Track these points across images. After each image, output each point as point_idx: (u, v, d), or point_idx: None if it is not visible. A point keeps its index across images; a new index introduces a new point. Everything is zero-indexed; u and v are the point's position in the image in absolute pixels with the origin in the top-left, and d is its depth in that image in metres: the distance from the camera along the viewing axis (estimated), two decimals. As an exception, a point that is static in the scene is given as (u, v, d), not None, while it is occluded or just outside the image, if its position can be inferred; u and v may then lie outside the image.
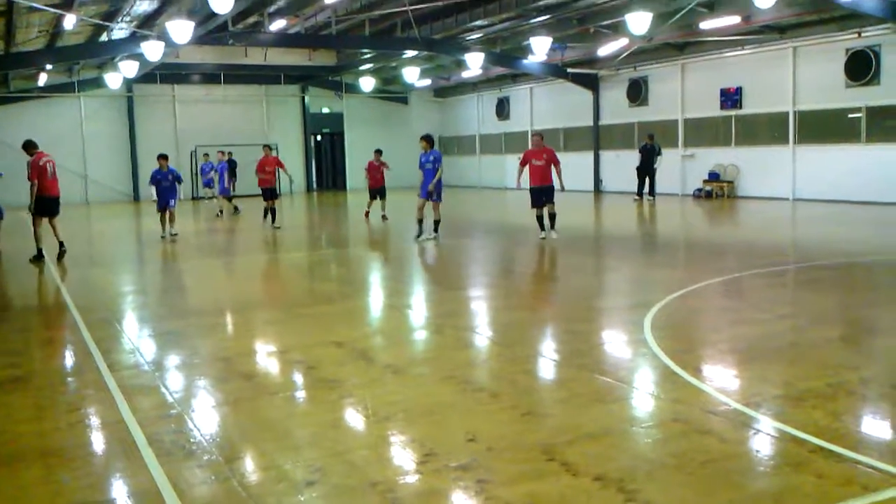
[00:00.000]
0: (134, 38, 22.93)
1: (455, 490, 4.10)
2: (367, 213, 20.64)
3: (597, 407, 5.37)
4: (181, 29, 18.63)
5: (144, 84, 31.88)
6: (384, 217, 20.04)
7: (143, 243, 17.79)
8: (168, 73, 31.59)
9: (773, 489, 4.06)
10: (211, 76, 33.01)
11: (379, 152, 21.14)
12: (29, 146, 13.60)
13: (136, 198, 32.43)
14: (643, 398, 5.67)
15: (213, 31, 21.52)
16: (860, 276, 10.82)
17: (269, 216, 19.50)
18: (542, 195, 14.60)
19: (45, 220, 13.64)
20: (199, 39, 21.73)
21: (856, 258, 12.05)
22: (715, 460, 4.37)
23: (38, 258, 13.44)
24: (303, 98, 36.55)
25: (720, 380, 6.08)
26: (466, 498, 4.02)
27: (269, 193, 19.69)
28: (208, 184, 26.45)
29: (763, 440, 4.76)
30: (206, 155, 26.86)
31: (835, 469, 4.19)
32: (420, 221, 15.14)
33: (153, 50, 21.15)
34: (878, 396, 5.51)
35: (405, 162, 37.30)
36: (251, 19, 23.21)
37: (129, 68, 25.55)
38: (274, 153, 21.67)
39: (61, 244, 13.68)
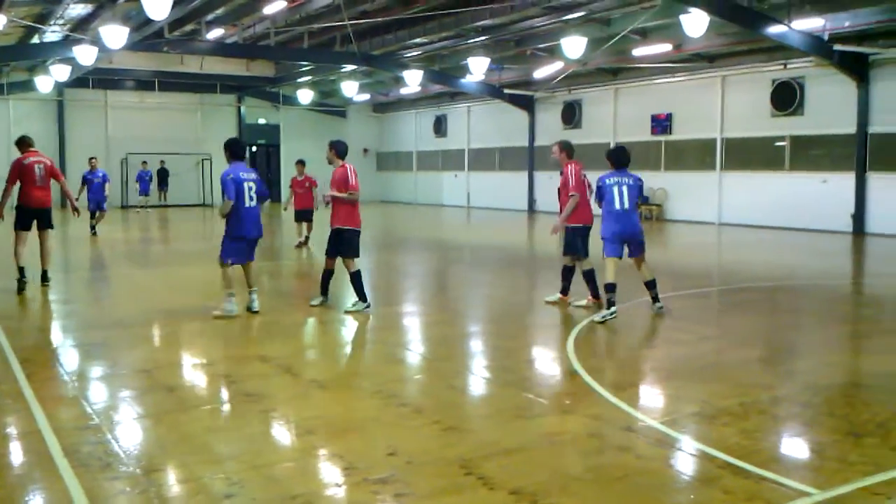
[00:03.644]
0: (67, 42, 22.55)
1: (372, 503, 4.13)
2: (299, 244, 16.51)
3: (517, 422, 5.47)
4: (115, 34, 18.37)
5: (76, 89, 31.26)
6: (302, 243, 16.46)
7: (69, 250, 17.39)
8: (101, 79, 31.00)
9: (682, 503, 4.19)
10: (145, 83, 32.50)
11: (301, 164, 16.92)
12: (20, 143, 11.20)
13: (63, 204, 31.64)
14: (562, 414, 5.78)
15: (148, 37, 21.27)
16: (781, 299, 11.18)
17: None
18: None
19: (26, 236, 10.97)
20: (134, 45, 21.46)
21: (778, 282, 12.45)
22: (629, 475, 4.49)
23: (21, 284, 10.81)
24: (239, 108, 36.25)
25: (639, 398, 6.25)
26: (384, 511, 4.06)
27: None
28: (145, 191, 26.16)
29: (676, 456, 4.90)
30: (145, 162, 26.42)
31: (742, 485, 4.34)
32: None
33: (86, 54, 20.81)
34: (787, 415, 5.72)
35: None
36: (188, 27, 22.98)
37: (60, 72, 25.07)
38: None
39: (44, 272, 11.24)
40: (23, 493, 4.42)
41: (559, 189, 9.83)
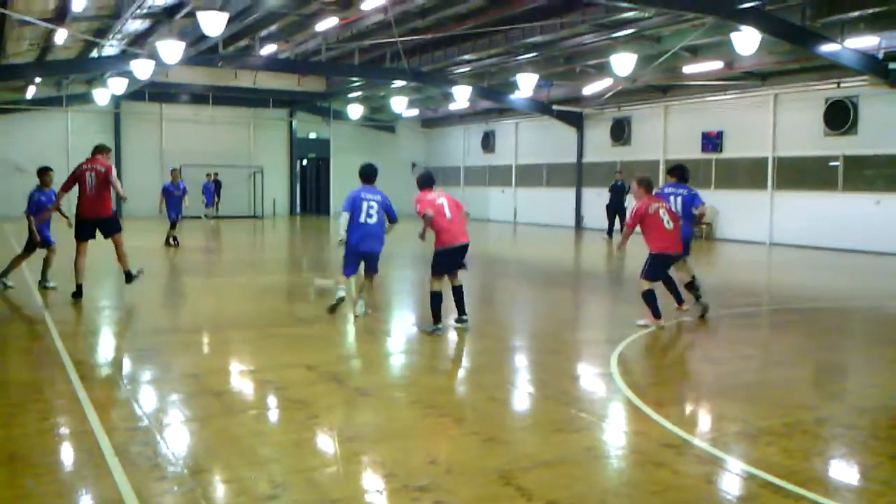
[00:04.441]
0: (124, 56, 23.11)
1: (412, 509, 4.21)
2: None
3: (557, 436, 5.50)
4: (171, 49, 18.80)
5: (132, 101, 32.01)
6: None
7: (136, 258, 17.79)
8: (156, 92, 31.70)
9: (719, 520, 4.19)
10: (199, 96, 33.18)
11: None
12: (95, 150, 11.29)
13: (119, 213, 32.40)
14: (602, 429, 5.79)
15: (203, 52, 21.72)
16: (828, 320, 11.02)
17: None
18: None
19: (84, 247, 11.01)
20: (190, 60, 21.93)
21: (825, 303, 12.27)
22: (666, 490, 4.50)
23: (76, 295, 10.83)
24: (290, 122, 36.78)
25: (679, 415, 6.23)
26: (423, 517, 4.13)
27: None
28: (210, 202, 26.69)
29: (715, 473, 4.89)
30: (209, 174, 26.84)
31: (781, 503, 4.33)
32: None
33: (143, 68, 21.31)
34: (830, 436, 5.67)
35: (391, 191, 37.59)
36: (242, 42, 23.45)
37: (117, 85, 25.70)
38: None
39: (127, 273, 11.34)
40: (74, 489, 4.58)
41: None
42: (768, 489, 4.52)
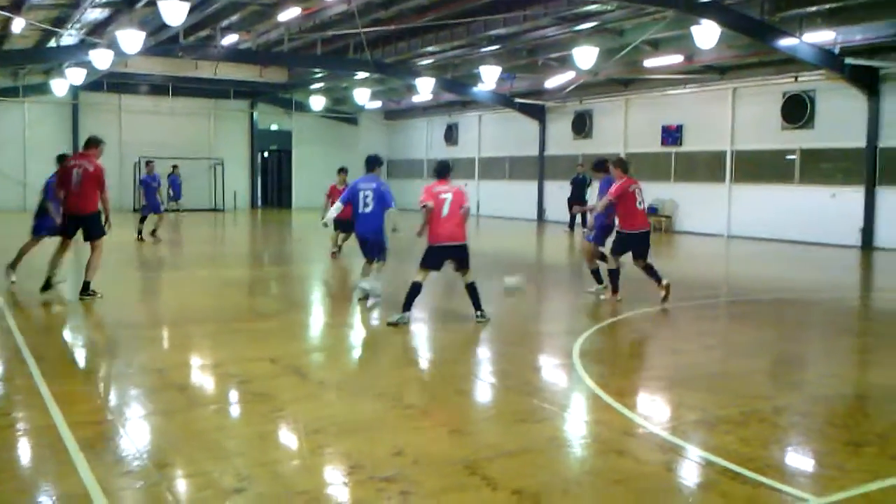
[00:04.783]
0: (83, 46, 22.75)
1: (379, 500, 4.24)
2: (333, 254, 15.94)
3: (521, 426, 5.57)
4: (131, 39, 18.55)
5: (91, 92, 31.48)
6: (335, 254, 15.98)
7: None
8: (115, 82, 31.23)
9: (680, 507, 4.29)
10: (159, 87, 32.75)
11: (344, 172, 16.34)
12: (86, 143, 11.14)
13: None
14: (565, 419, 5.88)
15: (163, 42, 21.49)
16: (786, 312, 11.23)
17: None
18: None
19: (65, 242, 10.85)
20: (150, 50, 21.65)
21: (783, 294, 12.51)
22: (628, 479, 4.59)
23: (44, 288, 10.62)
24: (251, 114, 36.47)
25: (640, 404, 6.34)
26: (389, 508, 4.17)
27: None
28: (177, 196, 26.31)
29: (676, 461, 4.99)
30: (175, 167, 26.43)
31: (739, 490, 4.43)
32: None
33: (102, 58, 21.02)
34: (787, 424, 5.81)
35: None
36: (203, 32, 23.17)
37: (76, 75, 25.32)
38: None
39: (85, 284, 10.53)
40: (38, 485, 4.55)
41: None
42: (726, 476, 4.62)
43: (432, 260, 9.28)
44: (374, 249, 10.61)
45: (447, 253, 9.25)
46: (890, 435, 5.54)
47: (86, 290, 10.52)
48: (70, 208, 10.65)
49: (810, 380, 7.45)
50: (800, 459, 5.19)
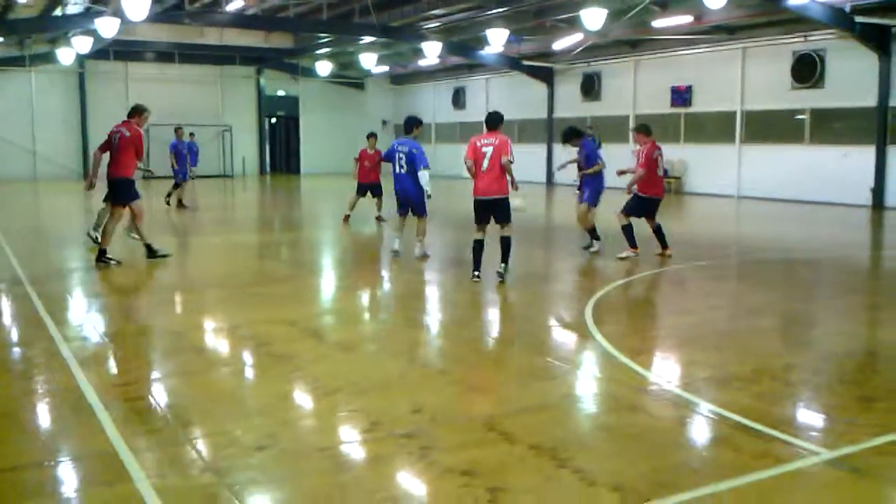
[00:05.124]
0: (88, 14, 22.71)
1: (399, 455, 4.34)
2: (346, 217, 15.88)
3: (537, 384, 5.66)
4: (137, 6, 18.49)
5: (97, 60, 31.42)
6: (379, 218, 16.08)
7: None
8: (122, 50, 31.19)
9: (693, 459, 4.39)
10: (165, 54, 32.68)
11: (374, 136, 16.46)
12: (130, 112, 10.97)
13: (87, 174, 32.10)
14: (580, 377, 5.97)
15: (169, 8, 21.43)
16: (797, 271, 11.28)
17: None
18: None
19: (113, 209, 10.90)
20: (155, 17, 21.58)
21: (793, 254, 12.54)
22: (642, 433, 4.68)
23: (99, 258, 10.56)
24: (258, 80, 36.36)
25: (653, 362, 6.43)
26: (409, 463, 4.26)
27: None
28: (194, 163, 26.32)
29: (688, 416, 5.08)
30: (192, 134, 26.42)
31: (751, 444, 4.52)
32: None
33: (108, 26, 20.97)
34: (798, 381, 5.88)
35: (360, 147, 37.46)
36: (208, -1, 23.13)
37: (82, 44, 25.24)
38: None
39: (101, 252, 10.63)
40: (68, 444, 4.66)
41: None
42: (739, 430, 4.71)
43: (477, 214, 9.48)
44: (414, 207, 11.24)
45: (486, 206, 9.36)
46: (900, 390, 5.62)
47: (101, 256, 10.60)
48: (108, 174, 10.82)
49: (820, 338, 7.52)
50: (811, 414, 5.26)
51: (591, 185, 11.81)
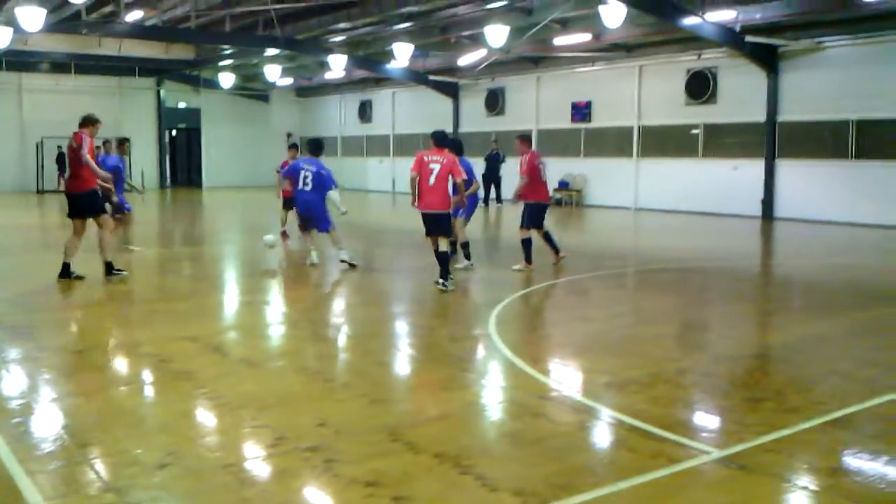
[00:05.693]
0: (-22, 22, 21.84)
1: (304, 468, 4.35)
2: (283, 233, 15.30)
3: (441, 394, 5.75)
4: (32, 16, 17.94)
5: (-12, 70, 30.28)
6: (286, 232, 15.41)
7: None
8: (15, 61, 30.03)
9: (592, 462, 4.55)
10: (61, 65, 31.58)
11: (295, 148, 15.96)
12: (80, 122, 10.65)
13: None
14: (484, 386, 6.10)
15: (65, 19, 20.82)
16: (691, 279, 11.72)
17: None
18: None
19: (73, 224, 10.41)
20: (51, 27, 20.94)
21: (689, 264, 13.02)
22: (544, 439, 4.82)
23: (61, 275, 10.31)
24: (158, 91, 35.58)
25: (554, 369, 6.60)
26: (314, 476, 4.28)
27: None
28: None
29: (587, 421, 5.25)
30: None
31: (646, 445, 4.70)
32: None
33: (0, 36, 20.23)
34: (690, 384, 6.14)
35: (265, 160, 37.05)
36: (107, 8, 22.56)
37: (-29, 53, 24.29)
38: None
39: (106, 265, 10.43)
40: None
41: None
42: (635, 433, 4.90)
43: (426, 226, 9.94)
44: (317, 222, 11.65)
45: (429, 219, 9.85)
46: (785, 391, 5.92)
47: (110, 270, 10.42)
48: (69, 185, 10.52)
49: (713, 342, 7.86)
50: (703, 416, 5.50)
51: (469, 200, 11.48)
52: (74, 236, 10.33)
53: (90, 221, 10.42)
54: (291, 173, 11.74)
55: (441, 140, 9.94)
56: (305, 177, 11.44)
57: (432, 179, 9.61)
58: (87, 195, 10.34)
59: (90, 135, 10.45)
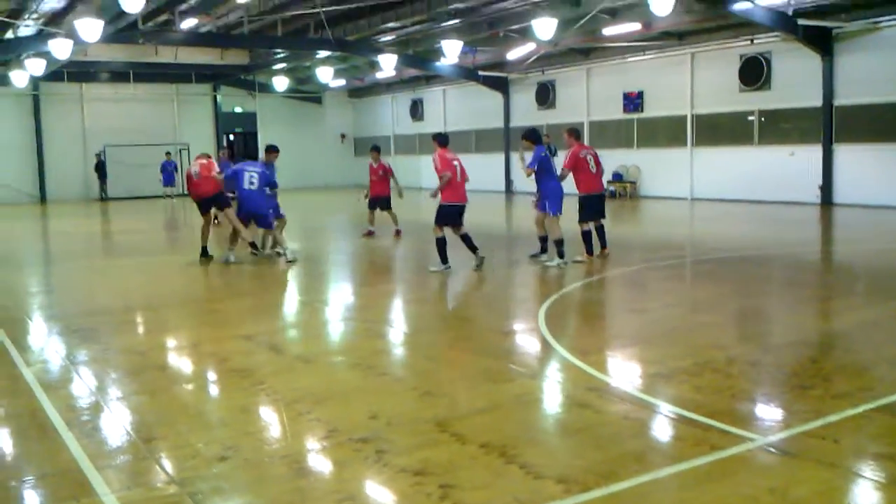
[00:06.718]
0: (41, 36, 22.59)
1: (355, 459, 4.52)
2: (369, 232, 16.07)
3: (489, 386, 5.88)
4: (90, 27, 18.51)
5: (51, 82, 31.17)
6: (372, 231, 16.08)
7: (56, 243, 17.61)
8: (76, 71, 30.99)
9: (636, 449, 4.62)
10: (120, 74, 32.51)
11: (377, 150, 16.65)
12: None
13: (44, 199, 31.85)
14: (531, 378, 6.20)
15: (122, 29, 21.39)
16: (747, 268, 11.62)
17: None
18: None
19: (205, 216, 13.12)
20: (109, 37, 21.56)
21: (743, 253, 12.91)
22: (589, 428, 4.91)
23: (202, 255, 12.78)
24: (214, 97, 36.33)
25: (602, 361, 6.66)
26: (365, 465, 4.45)
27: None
28: (169, 181, 26.68)
29: (633, 411, 5.32)
30: (168, 153, 26.60)
31: (691, 433, 4.77)
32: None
33: (61, 48, 20.90)
34: (738, 372, 6.16)
35: (319, 161, 37.52)
36: (162, 17, 23.13)
37: (35, 66, 25.10)
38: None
39: (202, 249, 12.89)
40: (33, 462, 4.78)
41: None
42: (680, 421, 4.97)
43: (451, 217, 10.84)
44: (259, 220, 12.56)
45: (461, 210, 10.87)
46: (834, 377, 5.92)
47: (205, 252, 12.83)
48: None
49: (764, 330, 7.84)
50: (748, 403, 5.52)
51: (547, 193, 11.45)
52: (205, 226, 13.09)
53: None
54: (235, 177, 12.43)
55: (448, 140, 11.20)
56: (251, 177, 12.26)
57: (460, 175, 10.75)
58: (210, 198, 12.82)
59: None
